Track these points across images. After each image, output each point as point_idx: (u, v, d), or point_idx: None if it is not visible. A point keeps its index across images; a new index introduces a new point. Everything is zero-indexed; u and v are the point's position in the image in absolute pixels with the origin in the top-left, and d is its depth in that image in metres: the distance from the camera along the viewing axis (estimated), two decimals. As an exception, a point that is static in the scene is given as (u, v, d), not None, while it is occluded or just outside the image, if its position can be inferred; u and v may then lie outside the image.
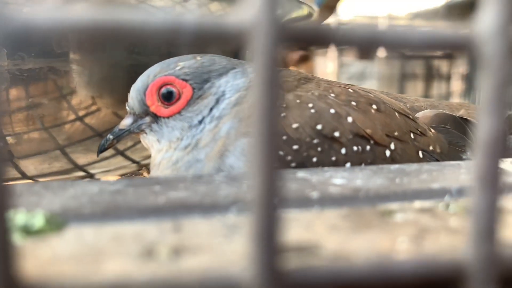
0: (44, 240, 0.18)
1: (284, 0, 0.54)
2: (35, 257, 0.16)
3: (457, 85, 2.38)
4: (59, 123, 0.50)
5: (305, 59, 1.63)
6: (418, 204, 0.24)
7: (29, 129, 0.48)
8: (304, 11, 0.57)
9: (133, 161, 0.56)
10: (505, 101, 0.14)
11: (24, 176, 0.51)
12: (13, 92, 0.47)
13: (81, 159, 0.53)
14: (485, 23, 0.14)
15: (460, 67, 2.30)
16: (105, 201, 0.23)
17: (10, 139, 0.47)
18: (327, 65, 2.44)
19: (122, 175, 0.56)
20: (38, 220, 0.20)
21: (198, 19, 0.12)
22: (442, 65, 2.40)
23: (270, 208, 0.13)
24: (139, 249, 0.17)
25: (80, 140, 0.52)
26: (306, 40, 0.12)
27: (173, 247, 0.17)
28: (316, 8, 0.59)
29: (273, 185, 0.13)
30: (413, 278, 0.15)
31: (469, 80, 2.17)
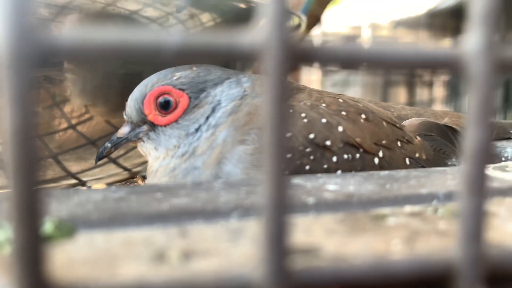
0: (56, 245, 0.19)
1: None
2: (51, 261, 0.17)
3: (439, 91, 2.43)
4: (52, 131, 0.50)
5: (295, 68, 1.65)
6: (408, 208, 0.25)
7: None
8: (294, 21, 0.58)
9: (125, 169, 0.57)
10: (490, 113, 0.16)
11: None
12: None
13: (74, 167, 0.53)
14: (471, 43, 0.16)
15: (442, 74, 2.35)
16: (111, 208, 0.24)
17: (1, 147, 0.48)
18: (311, 72, 2.47)
19: (116, 182, 0.57)
20: (48, 227, 0.21)
21: (213, 38, 0.14)
22: (425, 72, 2.45)
23: (280, 213, 0.14)
24: (150, 254, 0.18)
25: (73, 148, 0.52)
26: (315, 60, 0.14)
27: (182, 251, 0.18)
28: (304, 18, 0.61)
29: (283, 191, 0.14)
30: (407, 277, 0.16)
31: (451, 87, 2.22)
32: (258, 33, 0.14)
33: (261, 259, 0.14)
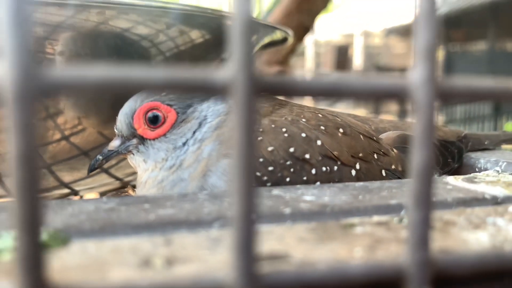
0: (52, 253, 0.21)
1: (259, 26, 0.57)
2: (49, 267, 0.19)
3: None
4: (46, 142, 0.52)
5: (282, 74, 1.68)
6: (376, 218, 0.27)
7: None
8: (277, 35, 0.60)
9: (117, 179, 0.59)
10: (432, 136, 0.18)
11: (10, 194, 0.52)
12: (1, 113, 0.49)
13: (67, 177, 0.55)
14: (416, 74, 0.18)
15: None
16: (102, 218, 0.26)
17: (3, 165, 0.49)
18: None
19: (108, 192, 0.58)
20: (44, 237, 0.23)
21: (189, 74, 0.16)
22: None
23: (248, 223, 0.16)
24: (136, 260, 0.20)
25: (66, 159, 0.54)
26: (279, 92, 0.16)
27: (166, 258, 0.20)
28: (290, 32, 0.63)
29: (250, 204, 0.16)
30: (363, 280, 0.18)
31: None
32: (228, 69, 0.16)
33: (232, 265, 0.16)
